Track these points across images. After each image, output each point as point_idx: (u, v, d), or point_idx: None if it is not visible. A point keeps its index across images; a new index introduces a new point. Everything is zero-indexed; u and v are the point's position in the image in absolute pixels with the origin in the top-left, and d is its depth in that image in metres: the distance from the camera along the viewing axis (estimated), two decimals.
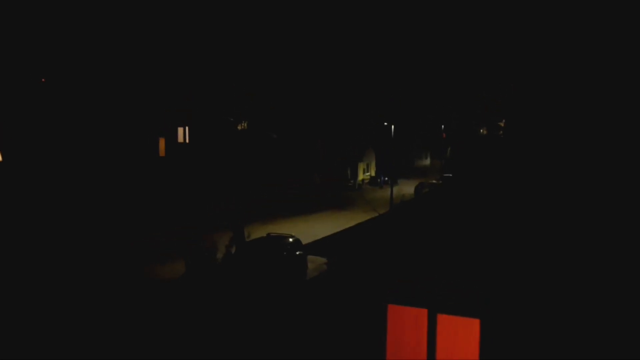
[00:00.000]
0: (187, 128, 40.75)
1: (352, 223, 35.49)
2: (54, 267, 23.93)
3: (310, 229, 33.10)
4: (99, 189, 34.16)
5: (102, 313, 18.84)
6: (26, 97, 33.53)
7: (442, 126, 79.41)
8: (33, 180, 31.64)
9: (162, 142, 39.13)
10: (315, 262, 25.02)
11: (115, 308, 19.34)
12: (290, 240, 23.45)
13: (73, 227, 31.05)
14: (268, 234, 24.74)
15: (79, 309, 18.95)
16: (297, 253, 23.01)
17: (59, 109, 34.30)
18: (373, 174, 64.35)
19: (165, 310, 19.29)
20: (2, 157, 32.50)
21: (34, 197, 30.78)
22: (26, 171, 32.04)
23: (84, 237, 29.78)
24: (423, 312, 11.65)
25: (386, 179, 60.07)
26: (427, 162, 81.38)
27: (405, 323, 11.82)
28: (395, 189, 49.46)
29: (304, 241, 26.34)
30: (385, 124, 60.06)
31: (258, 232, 30.57)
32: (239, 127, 46.83)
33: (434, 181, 51.70)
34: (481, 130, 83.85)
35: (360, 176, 61.32)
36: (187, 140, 40.80)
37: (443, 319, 11.50)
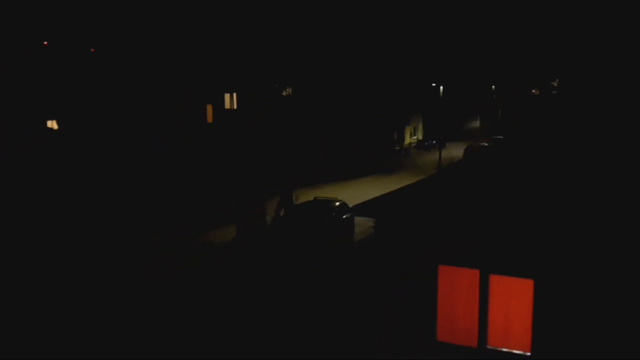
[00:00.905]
0: (234, 94, 40.92)
1: (399, 187, 35.17)
2: (99, 236, 24.72)
3: (357, 193, 32.99)
4: (152, 152, 34.87)
5: (147, 280, 19.43)
6: (77, 68, 34.31)
7: (493, 87, 77.22)
8: (84, 147, 32.49)
9: (209, 109, 39.50)
10: (362, 226, 24.98)
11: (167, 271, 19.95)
12: (337, 204, 23.44)
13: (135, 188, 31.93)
14: (315, 198, 24.78)
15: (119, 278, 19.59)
16: (344, 216, 23.00)
17: (107, 79, 34.95)
18: (420, 137, 63.41)
19: (217, 271, 19.73)
20: (58, 125, 33.54)
21: (84, 164, 31.60)
22: (79, 139, 32.97)
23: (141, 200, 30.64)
24: (475, 273, 11.43)
25: (434, 142, 59.12)
26: (477, 124, 79.41)
27: (456, 284, 11.64)
28: (443, 152, 48.64)
29: (351, 205, 26.29)
30: (434, 85, 58.74)
31: (305, 196, 30.70)
32: (284, 93, 46.81)
33: (484, 143, 50.49)
34: (533, 91, 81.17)
35: (407, 140, 60.54)
36: (234, 107, 41.02)
37: (495, 280, 11.26)
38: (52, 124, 33.41)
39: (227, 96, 40.71)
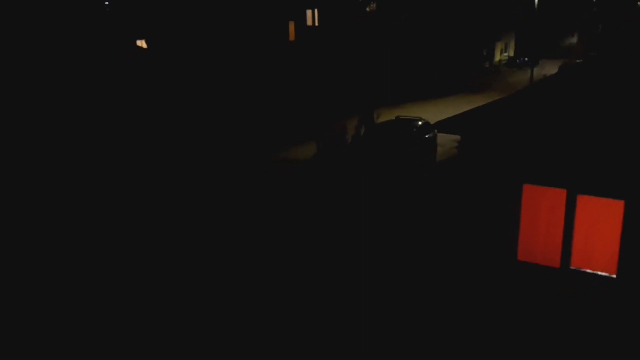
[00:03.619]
0: (316, 10, 40.11)
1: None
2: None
3: (441, 113, 32.15)
4: (232, 73, 35.35)
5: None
6: None
7: None
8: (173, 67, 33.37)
9: (291, 26, 39.08)
10: (444, 146, 24.51)
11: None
12: (419, 123, 22.99)
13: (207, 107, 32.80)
14: (397, 117, 24.43)
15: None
16: (427, 136, 22.60)
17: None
18: (512, 54, 60.12)
19: (301, 185, 20.26)
20: (148, 45, 34.55)
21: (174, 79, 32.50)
22: (166, 58, 33.86)
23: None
24: (562, 193, 11.02)
25: (526, 59, 55.89)
26: (574, 40, 73.96)
27: (541, 203, 11.30)
28: (535, 70, 46.06)
29: (433, 122, 25.71)
30: None
31: (387, 115, 30.31)
32: (368, 9, 45.29)
33: (580, 61, 47.17)
34: (639, 3, 73.83)
35: (497, 57, 57.61)
36: (316, 23, 40.32)
37: (583, 200, 10.81)
38: (142, 43, 34.46)
39: (309, 12, 39.98)
